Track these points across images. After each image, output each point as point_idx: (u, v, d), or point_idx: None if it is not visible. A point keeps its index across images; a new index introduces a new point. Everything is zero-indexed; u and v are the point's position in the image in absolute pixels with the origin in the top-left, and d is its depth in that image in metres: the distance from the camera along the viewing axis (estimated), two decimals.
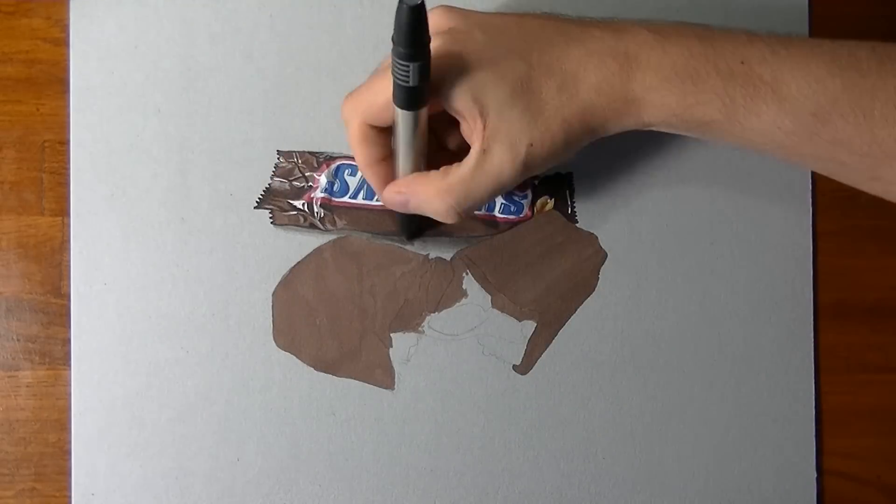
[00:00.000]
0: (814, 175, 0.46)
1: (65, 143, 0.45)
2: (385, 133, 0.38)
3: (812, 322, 0.46)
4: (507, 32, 0.37)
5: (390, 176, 0.39)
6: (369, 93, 0.37)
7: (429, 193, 0.37)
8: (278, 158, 0.45)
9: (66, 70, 0.45)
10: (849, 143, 0.36)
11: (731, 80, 0.36)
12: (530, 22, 0.38)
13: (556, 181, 0.45)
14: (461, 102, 0.35)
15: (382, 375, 0.44)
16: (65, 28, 0.45)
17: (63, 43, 0.45)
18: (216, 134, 0.45)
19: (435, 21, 0.36)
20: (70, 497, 0.44)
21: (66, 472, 0.44)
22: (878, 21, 0.47)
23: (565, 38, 0.37)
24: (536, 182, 0.45)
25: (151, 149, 0.45)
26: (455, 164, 0.37)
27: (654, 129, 0.38)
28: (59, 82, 0.45)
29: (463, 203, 0.37)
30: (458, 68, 0.35)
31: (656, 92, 0.36)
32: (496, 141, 0.36)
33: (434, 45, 0.33)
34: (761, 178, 0.46)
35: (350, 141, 0.38)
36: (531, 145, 0.36)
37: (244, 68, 0.45)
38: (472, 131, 0.36)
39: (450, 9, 0.37)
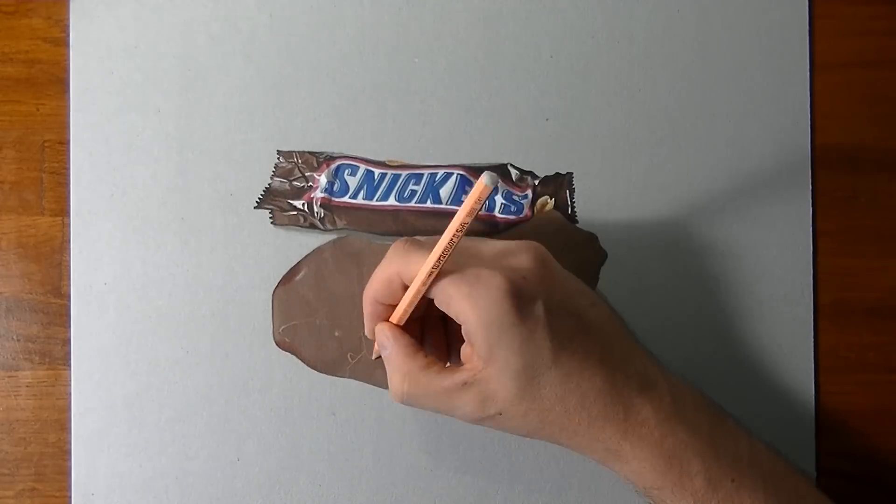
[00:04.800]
0: (814, 175, 0.46)
1: (65, 143, 0.45)
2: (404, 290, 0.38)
3: (812, 322, 0.46)
4: (569, 319, 0.37)
5: (384, 317, 0.39)
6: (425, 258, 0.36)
7: (401, 368, 0.37)
8: (278, 158, 0.45)
9: (66, 70, 0.45)
10: None
11: (714, 491, 0.36)
12: (599, 328, 0.38)
13: (556, 181, 0.45)
14: (479, 337, 0.35)
15: (382, 375, 0.44)
16: (65, 28, 0.45)
17: (63, 43, 0.45)
18: (216, 134, 0.45)
19: (534, 254, 0.38)
20: (70, 497, 0.44)
21: (66, 472, 0.44)
22: (878, 21, 0.47)
23: (606, 369, 0.37)
24: (536, 182, 0.45)
25: (151, 149, 0.45)
26: (438, 366, 0.37)
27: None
28: (59, 82, 0.45)
29: (411, 400, 0.38)
30: (505, 303, 0.35)
31: (641, 462, 0.37)
32: (478, 386, 0.36)
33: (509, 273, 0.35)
34: (761, 179, 0.46)
35: (379, 272, 0.38)
36: (500, 414, 0.37)
37: (244, 68, 0.45)
38: (468, 360, 0.37)
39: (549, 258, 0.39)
